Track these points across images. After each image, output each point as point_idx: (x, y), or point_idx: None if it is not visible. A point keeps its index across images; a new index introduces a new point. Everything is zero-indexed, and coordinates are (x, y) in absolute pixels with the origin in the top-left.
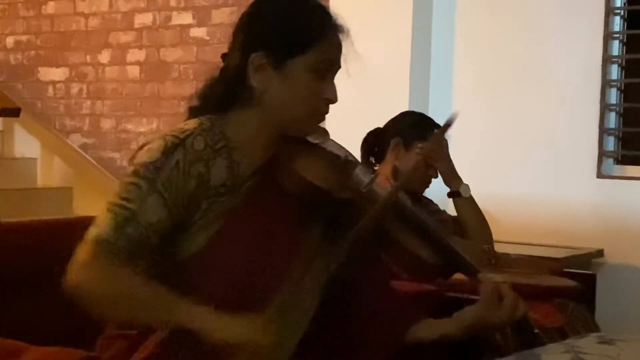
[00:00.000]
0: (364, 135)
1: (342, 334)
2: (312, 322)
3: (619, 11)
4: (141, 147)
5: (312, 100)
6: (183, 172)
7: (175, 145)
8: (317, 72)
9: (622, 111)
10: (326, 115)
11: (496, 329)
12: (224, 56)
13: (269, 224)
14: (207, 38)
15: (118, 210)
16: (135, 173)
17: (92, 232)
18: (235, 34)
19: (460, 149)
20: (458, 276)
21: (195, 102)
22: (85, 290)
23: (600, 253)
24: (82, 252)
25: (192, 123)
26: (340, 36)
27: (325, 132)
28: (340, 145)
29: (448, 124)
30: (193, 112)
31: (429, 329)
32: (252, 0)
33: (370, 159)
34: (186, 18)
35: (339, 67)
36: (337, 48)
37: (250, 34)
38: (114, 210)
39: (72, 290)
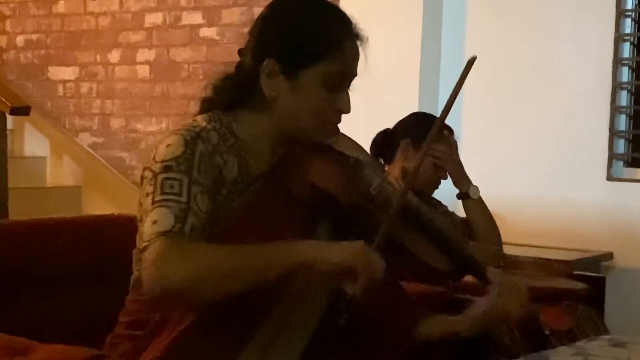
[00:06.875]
0: (373, 136)
1: (351, 331)
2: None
3: (630, 13)
4: (157, 148)
5: (323, 112)
6: (209, 160)
7: (194, 138)
8: (331, 83)
9: (632, 114)
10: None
11: (506, 321)
12: (240, 51)
13: (275, 227)
14: (217, 38)
15: (171, 205)
16: (168, 168)
17: (151, 231)
18: (251, 33)
19: (470, 151)
20: (468, 278)
21: (207, 94)
22: (173, 281)
23: (609, 256)
24: (152, 252)
25: (201, 120)
26: (358, 45)
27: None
28: (352, 141)
29: (442, 122)
30: (205, 104)
31: (438, 325)
32: (264, 0)
33: (380, 160)
34: (196, 18)
35: (355, 75)
36: (354, 59)
37: (265, 38)
38: (167, 205)
39: (160, 291)
